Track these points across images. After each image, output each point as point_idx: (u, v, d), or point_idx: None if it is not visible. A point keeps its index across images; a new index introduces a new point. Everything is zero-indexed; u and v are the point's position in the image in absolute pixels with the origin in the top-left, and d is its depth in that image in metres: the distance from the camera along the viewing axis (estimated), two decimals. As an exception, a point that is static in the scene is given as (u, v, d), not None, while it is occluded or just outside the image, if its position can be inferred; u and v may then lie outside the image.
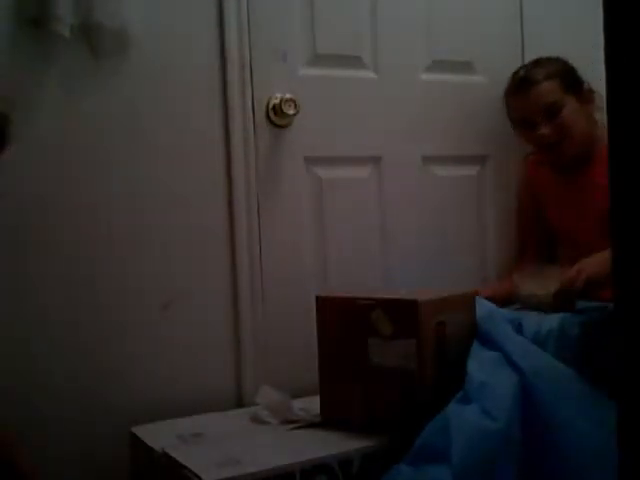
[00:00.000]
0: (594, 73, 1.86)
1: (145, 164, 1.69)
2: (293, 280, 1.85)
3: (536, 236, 2.08)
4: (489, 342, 1.45)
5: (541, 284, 1.74)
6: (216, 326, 1.77)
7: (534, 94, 1.86)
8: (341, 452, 1.37)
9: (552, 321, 1.55)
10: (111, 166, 1.66)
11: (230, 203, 1.78)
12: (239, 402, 1.78)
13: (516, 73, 1.94)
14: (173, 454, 1.37)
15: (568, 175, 1.93)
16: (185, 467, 1.31)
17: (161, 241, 1.71)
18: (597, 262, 1.66)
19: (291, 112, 1.79)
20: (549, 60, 1.91)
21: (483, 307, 1.55)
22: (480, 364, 1.40)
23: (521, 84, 1.90)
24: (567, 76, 1.88)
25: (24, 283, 1.58)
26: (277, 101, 1.79)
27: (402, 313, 1.43)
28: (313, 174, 1.89)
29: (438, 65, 2.05)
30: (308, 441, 1.44)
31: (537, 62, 1.93)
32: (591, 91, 1.88)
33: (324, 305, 1.56)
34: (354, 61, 1.94)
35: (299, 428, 1.51)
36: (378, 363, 1.46)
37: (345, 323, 1.51)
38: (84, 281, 1.63)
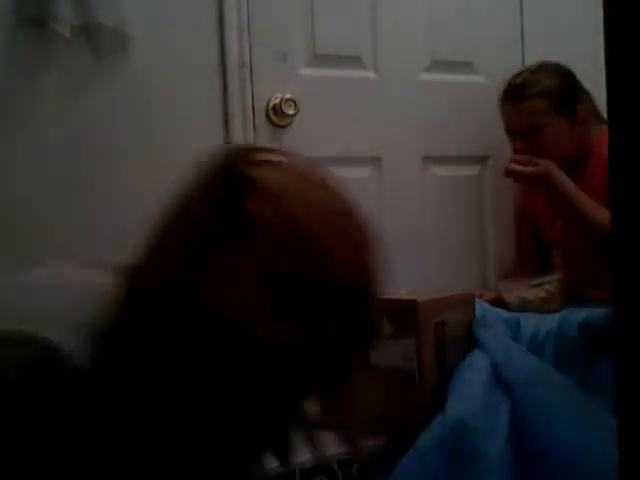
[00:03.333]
0: (594, 73, 1.86)
1: (145, 164, 1.69)
2: (293, 280, 1.85)
3: (533, 245, 2.06)
4: (481, 348, 1.44)
5: (527, 289, 1.75)
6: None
7: (520, 108, 1.83)
8: (341, 452, 1.37)
9: (550, 322, 1.55)
10: (111, 166, 1.66)
11: (230, 203, 1.78)
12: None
13: (513, 78, 1.89)
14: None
15: None
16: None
17: (161, 241, 1.71)
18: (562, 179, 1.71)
19: (291, 112, 1.79)
20: (550, 71, 1.85)
21: (478, 310, 1.54)
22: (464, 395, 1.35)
23: (511, 93, 1.87)
24: (562, 95, 1.82)
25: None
26: (277, 101, 1.80)
27: (402, 313, 1.43)
28: (313, 174, 1.89)
29: (438, 65, 2.05)
30: (308, 441, 1.44)
31: (537, 71, 1.87)
32: (584, 111, 1.82)
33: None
34: (354, 61, 1.94)
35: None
36: (377, 363, 1.46)
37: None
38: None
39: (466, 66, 2.09)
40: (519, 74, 1.90)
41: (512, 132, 1.88)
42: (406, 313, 1.42)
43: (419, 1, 2.02)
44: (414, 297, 1.43)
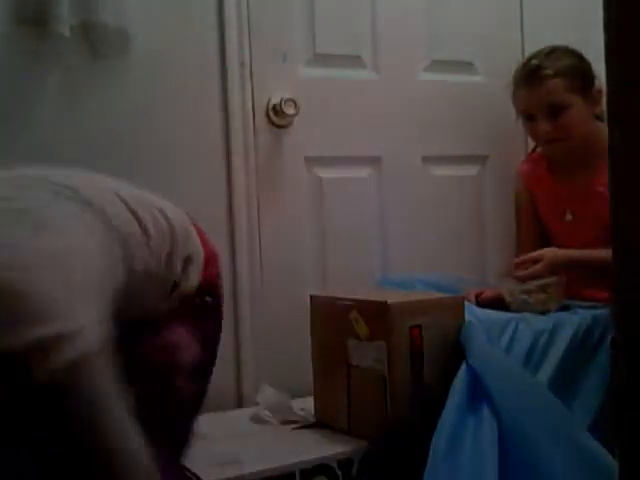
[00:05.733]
0: (594, 73, 1.86)
1: (145, 164, 1.69)
2: (293, 280, 1.85)
3: (534, 237, 2.05)
4: (466, 355, 1.38)
5: (527, 289, 1.74)
6: (216, 326, 1.77)
7: (541, 89, 1.80)
8: (341, 452, 1.37)
9: (550, 323, 1.54)
10: (111, 166, 1.66)
11: (230, 203, 1.78)
12: (239, 402, 1.78)
13: (527, 61, 1.86)
14: (173, 454, 1.37)
15: (567, 180, 1.91)
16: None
17: (161, 241, 1.71)
18: (564, 251, 1.74)
19: (291, 112, 1.79)
20: (564, 53, 1.84)
21: (468, 314, 1.49)
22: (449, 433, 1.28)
23: (530, 76, 1.83)
24: (578, 74, 1.81)
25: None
26: (277, 101, 1.79)
27: (375, 315, 1.40)
28: (313, 174, 1.89)
29: (438, 65, 2.05)
30: (308, 441, 1.44)
31: (551, 53, 1.84)
32: (600, 92, 1.80)
33: (316, 305, 1.55)
34: (354, 61, 1.94)
35: (299, 428, 1.51)
36: (357, 365, 1.45)
37: (329, 323, 1.51)
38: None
39: (466, 66, 2.09)
40: (532, 58, 1.86)
41: (532, 116, 1.84)
42: (378, 315, 1.39)
43: (419, 1, 2.01)
44: (386, 298, 1.40)
